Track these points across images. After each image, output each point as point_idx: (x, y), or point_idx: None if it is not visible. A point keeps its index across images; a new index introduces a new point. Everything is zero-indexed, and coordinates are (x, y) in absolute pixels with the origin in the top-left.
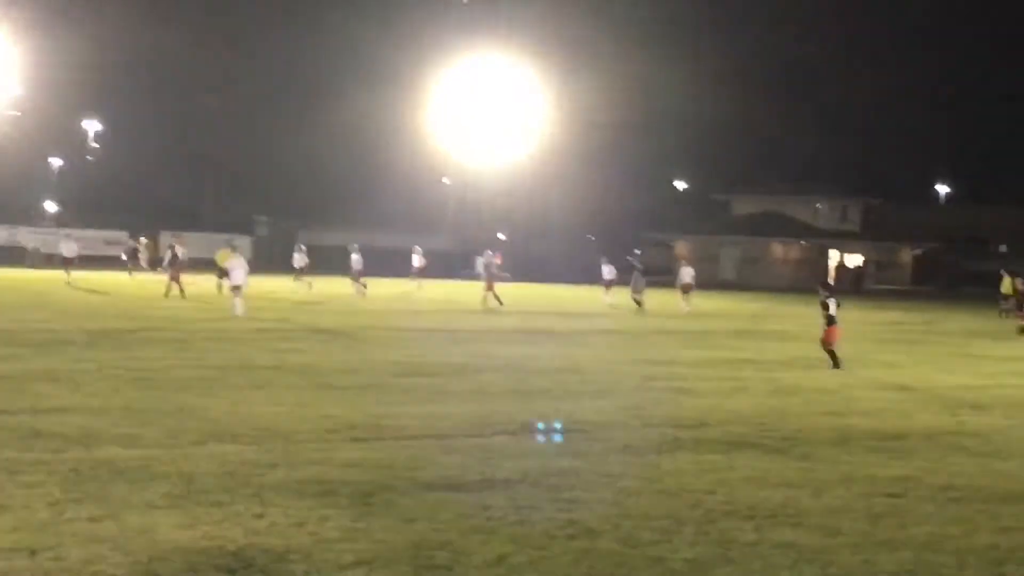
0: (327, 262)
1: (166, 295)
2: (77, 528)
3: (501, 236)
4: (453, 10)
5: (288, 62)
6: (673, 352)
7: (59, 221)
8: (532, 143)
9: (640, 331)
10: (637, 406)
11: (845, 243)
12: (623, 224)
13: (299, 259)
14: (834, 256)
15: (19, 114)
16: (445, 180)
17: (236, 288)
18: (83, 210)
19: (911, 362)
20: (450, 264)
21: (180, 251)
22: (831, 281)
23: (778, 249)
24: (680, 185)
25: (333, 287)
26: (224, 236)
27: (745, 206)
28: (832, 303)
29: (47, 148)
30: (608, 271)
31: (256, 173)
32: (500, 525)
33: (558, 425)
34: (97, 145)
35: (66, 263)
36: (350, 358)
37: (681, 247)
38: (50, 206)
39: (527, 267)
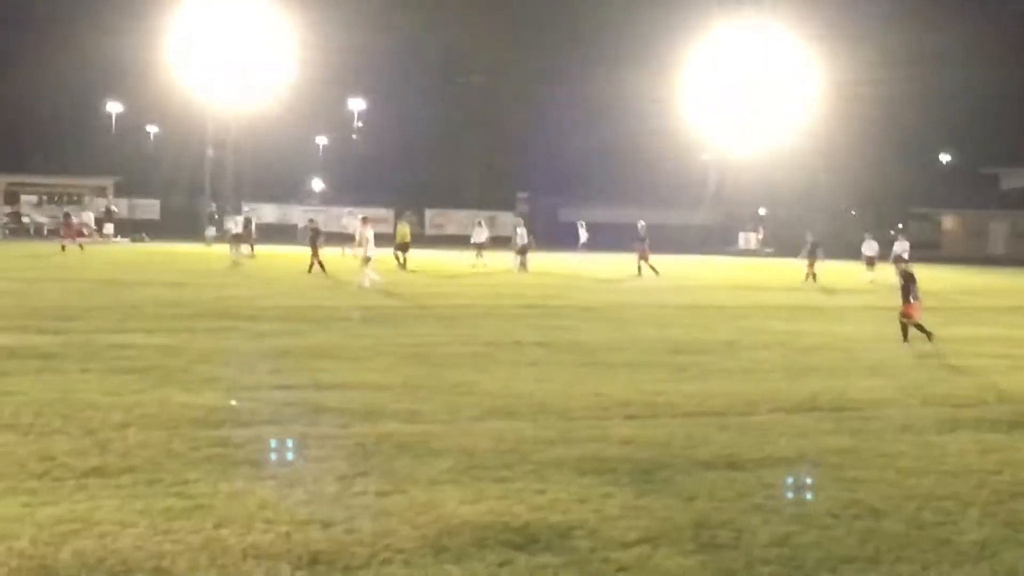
0: (588, 238)
1: (309, 270)
2: (367, 502)
3: (762, 211)
4: None
5: (548, 40)
6: (944, 329)
7: (324, 199)
8: (796, 116)
9: None
10: (912, 384)
11: None
12: (888, 199)
13: (583, 235)
14: None
15: (285, 98)
16: (705, 156)
17: (367, 260)
18: (347, 188)
19: None
20: (711, 239)
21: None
22: None
23: None
24: (946, 159)
25: (598, 265)
26: (486, 213)
27: (1014, 180)
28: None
29: (315, 127)
30: (869, 247)
31: (517, 150)
32: (781, 504)
33: None
34: (362, 124)
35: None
36: (619, 335)
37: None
38: (317, 184)
39: (791, 242)
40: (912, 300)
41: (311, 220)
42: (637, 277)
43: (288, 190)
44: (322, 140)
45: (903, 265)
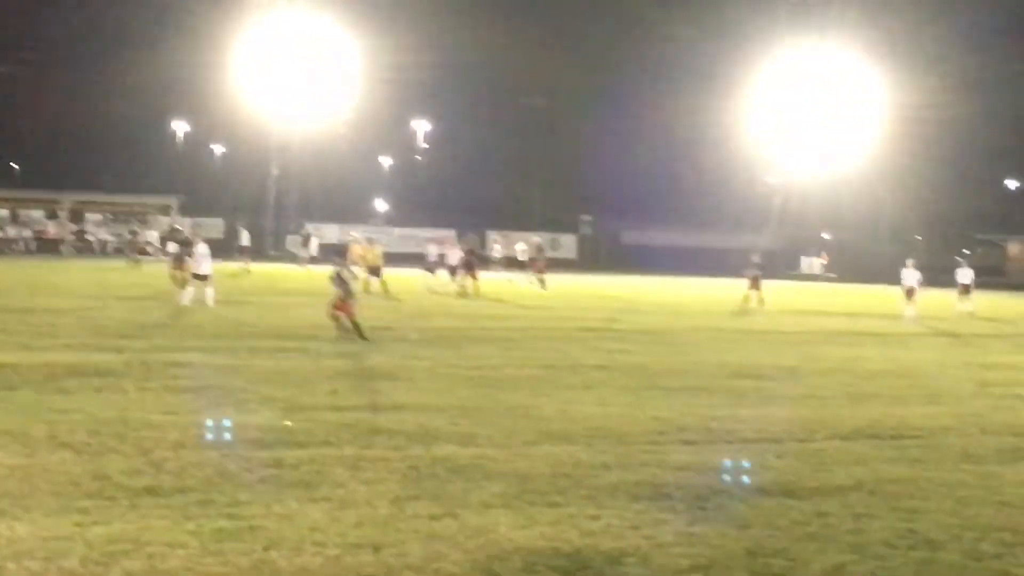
0: (650, 261)
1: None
2: (418, 525)
3: (825, 235)
4: (778, 5)
5: (611, 62)
6: (1008, 357)
7: (388, 220)
8: (860, 140)
9: (970, 334)
10: (974, 412)
11: None
12: (954, 224)
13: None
14: None
15: (350, 118)
16: (769, 179)
17: (203, 277)
18: (412, 209)
19: None
20: (775, 264)
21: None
22: None
23: None
24: (1013, 184)
25: (661, 288)
26: (549, 235)
27: None
28: (349, 276)
29: (378, 148)
30: (908, 275)
31: (581, 173)
32: (837, 533)
33: None
34: (426, 145)
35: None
36: (678, 359)
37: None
38: (380, 205)
39: (855, 267)
40: (349, 299)
41: (175, 228)
42: (535, 288)
43: (352, 210)
44: (386, 160)
45: (339, 268)
